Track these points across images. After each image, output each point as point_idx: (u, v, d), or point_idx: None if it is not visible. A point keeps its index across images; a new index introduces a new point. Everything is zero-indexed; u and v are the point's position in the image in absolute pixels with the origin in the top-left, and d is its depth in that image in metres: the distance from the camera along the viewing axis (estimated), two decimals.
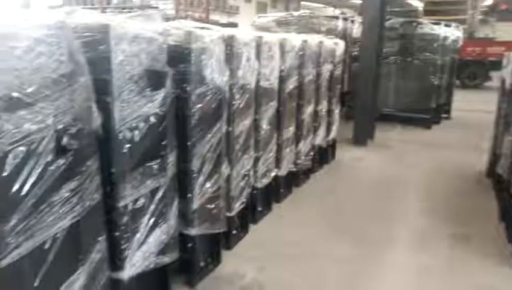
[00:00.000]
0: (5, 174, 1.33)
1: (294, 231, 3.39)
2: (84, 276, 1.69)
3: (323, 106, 4.70)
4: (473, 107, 9.31)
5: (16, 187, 1.37)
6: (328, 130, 5.01)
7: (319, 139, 4.70)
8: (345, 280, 2.74)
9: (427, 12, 13.61)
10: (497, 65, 9.63)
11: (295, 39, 3.74)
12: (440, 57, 7.30)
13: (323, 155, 5.05)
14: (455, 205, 4.02)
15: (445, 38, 7.45)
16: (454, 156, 5.74)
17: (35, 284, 1.50)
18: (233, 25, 14.57)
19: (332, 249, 3.11)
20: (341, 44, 4.95)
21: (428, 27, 7.32)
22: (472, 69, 13.39)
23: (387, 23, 6.95)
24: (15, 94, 1.33)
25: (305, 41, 3.91)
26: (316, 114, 4.49)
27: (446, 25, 7.65)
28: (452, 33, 7.75)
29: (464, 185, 4.63)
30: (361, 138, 6.08)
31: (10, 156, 1.34)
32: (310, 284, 2.67)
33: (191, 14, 13.66)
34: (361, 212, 3.84)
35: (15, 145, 1.35)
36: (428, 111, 7.54)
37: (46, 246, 1.52)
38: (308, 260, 2.95)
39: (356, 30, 7.94)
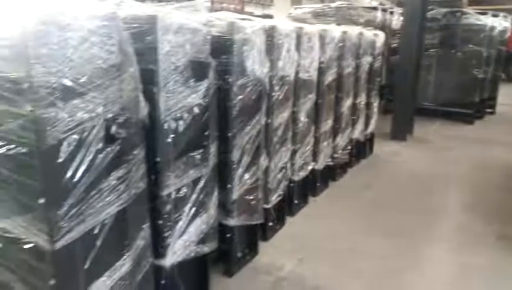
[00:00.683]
0: (59, 161, 1.38)
1: (331, 225, 3.35)
2: (130, 262, 1.74)
3: (362, 99, 4.60)
4: None
5: (69, 174, 1.42)
6: (367, 123, 4.91)
7: (357, 132, 4.61)
8: (383, 276, 2.68)
9: (472, 2, 13.00)
10: None
11: (335, 30, 3.67)
12: (485, 49, 6.98)
13: (361, 149, 4.96)
14: (499, 203, 3.85)
15: (492, 28, 7.11)
16: (499, 153, 5.50)
17: (85, 266, 1.56)
18: (268, 16, 14.49)
19: (371, 244, 3.05)
20: (381, 35, 4.82)
21: (474, 17, 7.00)
22: None
23: (428, 14, 6.69)
24: (69, 83, 1.37)
25: (344, 32, 3.83)
26: (354, 107, 4.41)
27: (494, 15, 7.29)
28: (499, 23, 7.38)
29: (509, 182, 4.42)
30: (400, 132, 5.92)
31: (64, 143, 1.39)
32: (348, 277, 2.64)
33: (225, 6, 13.69)
34: (400, 208, 3.75)
35: (69, 133, 1.39)
36: (471, 105, 7.24)
37: (95, 231, 1.57)
38: (345, 254, 2.92)
39: (395, 21, 7.71)
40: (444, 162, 5.12)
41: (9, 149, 1.41)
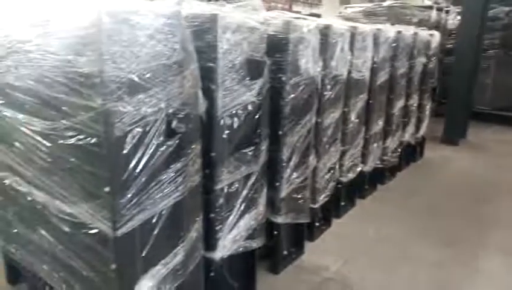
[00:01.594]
0: (124, 152, 1.46)
1: (378, 228, 3.28)
2: (183, 253, 1.80)
3: (414, 101, 4.47)
4: None
5: (132, 165, 1.49)
6: (418, 126, 4.76)
7: (408, 135, 4.48)
8: (437, 285, 2.59)
9: None
10: None
11: (389, 30, 3.59)
12: None
13: (411, 153, 4.81)
14: None
15: None
16: None
17: (143, 254, 1.63)
18: (316, 16, 14.35)
19: (421, 250, 2.96)
20: (436, 36, 4.65)
21: None
22: None
23: (489, 13, 6.36)
24: (136, 79, 1.44)
25: (399, 32, 3.73)
26: (406, 109, 4.29)
27: None
28: None
29: None
30: (453, 136, 5.68)
31: (129, 135, 1.46)
32: (394, 283, 2.58)
33: (273, 5, 13.70)
34: (451, 214, 3.61)
35: (133, 126, 1.47)
36: None
37: (154, 221, 1.64)
38: (392, 259, 2.85)
39: (451, 21, 7.39)
40: (498, 169, 4.86)
41: (80, 139, 1.51)
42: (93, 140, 1.45)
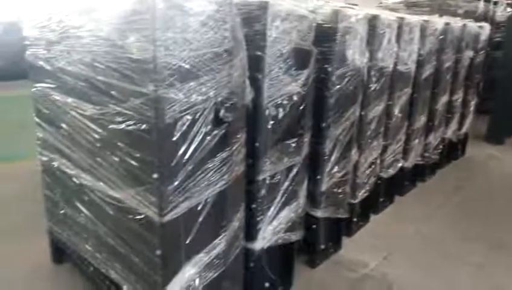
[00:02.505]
0: (173, 139, 1.46)
1: (418, 226, 3.18)
2: (225, 242, 1.80)
3: (459, 96, 4.28)
4: None
5: (180, 152, 1.49)
6: (461, 123, 4.57)
7: (450, 132, 4.32)
8: (474, 286, 2.49)
9: None
10: None
11: (437, 22, 3.44)
12: None
13: (453, 150, 4.64)
14: None
15: None
16: None
17: (187, 241, 1.63)
18: (353, 5, 14.00)
19: (460, 252, 2.85)
20: (486, 28, 4.43)
21: None
22: None
23: None
24: (187, 66, 1.43)
25: (447, 24, 3.57)
26: (450, 104, 4.12)
27: None
28: None
29: None
30: (498, 134, 5.43)
31: (179, 123, 1.46)
32: (435, 283, 2.50)
33: None
34: (493, 215, 3.45)
35: (183, 113, 1.46)
36: None
37: (198, 209, 1.64)
38: (433, 259, 2.76)
39: (500, 13, 7.03)
40: None
41: (129, 125, 1.52)
42: (143, 126, 1.46)
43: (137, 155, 1.53)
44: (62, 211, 2.22)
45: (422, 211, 3.46)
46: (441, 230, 3.15)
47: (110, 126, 1.62)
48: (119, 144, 1.60)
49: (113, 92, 1.56)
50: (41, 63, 1.99)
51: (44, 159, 2.23)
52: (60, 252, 2.46)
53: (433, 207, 3.55)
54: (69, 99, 1.86)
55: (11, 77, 6.07)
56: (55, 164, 2.12)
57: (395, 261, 2.69)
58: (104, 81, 1.60)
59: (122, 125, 1.55)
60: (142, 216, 1.59)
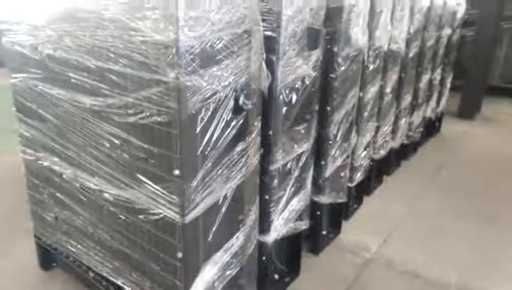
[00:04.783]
0: (196, 131, 1.32)
1: (409, 205, 3.21)
2: (243, 237, 1.69)
3: (438, 74, 4.33)
4: None
5: (202, 145, 1.36)
6: (439, 101, 4.65)
7: (430, 110, 4.38)
8: (474, 259, 2.54)
9: None
10: None
11: None
12: None
13: (430, 127, 4.72)
14: None
15: None
16: None
17: (208, 239, 1.52)
18: None
19: (455, 227, 2.90)
20: (463, 5, 4.47)
21: None
22: None
23: None
24: (209, 49, 1.29)
25: (431, 1, 3.55)
26: (430, 83, 4.16)
27: None
28: None
29: None
30: (469, 110, 5.59)
31: (201, 113, 1.32)
32: (437, 260, 2.52)
33: None
34: (478, 190, 3.54)
35: (206, 102, 1.32)
36: None
37: (218, 205, 1.52)
38: (430, 236, 2.79)
39: None
40: None
41: (144, 118, 1.37)
42: (162, 118, 1.31)
43: (154, 150, 1.38)
44: (52, 214, 2.02)
45: (411, 190, 3.49)
46: (433, 207, 3.20)
47: (119, 119, 1.45)
48: (130, 138, 1.44)
49: (122, 81, 1.39)
50: (22, 50, 1.76)
51: (29, 157, 2.01)
52: (48, 258, 2.26)
53: (420, 185, 3.60)
54: (61, 91, 1.65)
55: None
56: (44, 162, 1.91)
57: (395, 242, 2.69)
58: (110, 69, 1.41)
59: (134, 118, 1.39)
60: (159, 217, 1.45)
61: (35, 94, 1.79)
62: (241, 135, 1.53)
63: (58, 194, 1.92)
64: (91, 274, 1.94)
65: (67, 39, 1.54)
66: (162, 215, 1.44)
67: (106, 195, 1.64)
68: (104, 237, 1.73)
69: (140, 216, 1.52)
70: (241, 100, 1.47)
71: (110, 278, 1.79)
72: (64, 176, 1.83)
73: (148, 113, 1.34)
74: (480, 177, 3.81)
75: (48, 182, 1.96)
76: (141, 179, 1.46)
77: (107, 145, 1.54)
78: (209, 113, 1.35)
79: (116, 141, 1.50)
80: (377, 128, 3.13)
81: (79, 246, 1.91)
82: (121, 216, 1.61)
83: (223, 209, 1.55)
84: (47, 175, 1.94)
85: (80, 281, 2.14)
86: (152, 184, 1.42)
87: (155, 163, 1.39)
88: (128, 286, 1.70)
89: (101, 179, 1.63)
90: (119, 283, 1.75)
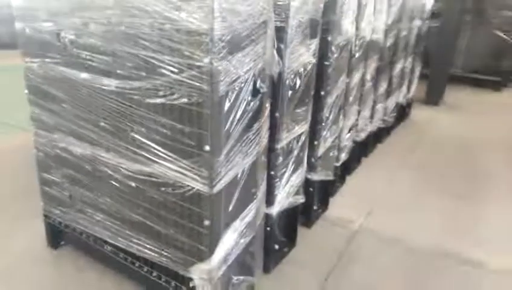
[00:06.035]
0: (224, 111, 1.48)
1: (387, 184, 3.51)
2: (255, 208, 1.88)
3: (409, 63, 4.65)
4: None
5: (228, 123, 1.52)
6: (409, 87, 4.98)
7: (402, 96, 4.69)
8: (453, 229, 2.86)
9: None
10: None
11: None
12: None
13: (401, 113, 5.05)
14: None
15: None
16: None
17: (229, 209, 1.69)
18: None
19: (431, 201, 3.22)
20: None
21: None
22: None
23: None
24: (236, 38, 1.44)
25: None
26: (402, 71, 4.46)
27: None
28: None
29: None
30: (434, 97, 6.01)
31: (229, 94, 1.48)
32: (415, 230, 2.81)
33: None
34: (446, 168, 3.91)
35: (232, 85, 1.48)
36: (499, 73, 7.28)
37: (237, 178, 1.69)
38: (407, 210, 3.08)
39: None
40: (480, 127, 5.24)
41: (174, 99, 1.50)
42: (194, 99, 1.45)
43: (184, 128, 1.53)
44: (66, 193, 2.12)
45: (388, 170, 3.79)
46: (408, 185, 3.51)
47: (147, 101, 1.58)
48: (158, 118, 1.58)
49: (152, 66, 1.51)
50: (40, 35, 1.83)
51: (42, 140, 2.10)
52: (58, 236, 2.36)
53: (396, 165, 3.91)
54: (83, 75, 1.76)
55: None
56: (60, 143, 2.01)
57: (377, 216, 2.97)
58: (137, 54, 1.54)
59: (163, 100, 1.53)
60: (187, 189, 1.60)
61: (53, 78, 1.87)
62: (257, 115, 1.70)
63: (74, 174, 2.02)
64: (108, 248, 2.06)
65: (92, 26, 1.64)
66: (189, 187, 1.59)
67: (129, 172, 1.76)
68: (125, 212, 1.86)
69: (166, 189, 1.67)
70: (258, 84, 1.64)
71: (129, 249, 1.92)
72: (82, 156, 1.93)
73: (178, 95, 1.49)
74: (448, 158, 4.18)
75: (62, 162, 2.05)
76: (169, 155, 1.60)
77: (133, 126, 1.67)
78: (234, 95, 1.51)
79: (143, 122, 1.63)
80: (359, 113, 3.37)
81: (95, 221, 2.03)
82: (144, 191, 1.75)
83: (241, 182, 1.72)
84: (62, 156, 2.03)
85: (90, 256, 2.26)
86: (183, 159, 1.56)
87: (185, 140, 1.54)
88: (149, 256, 1.85)
89: (124, 157, 1.76)
90: (139, 253, 1.89)
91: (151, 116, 1.60)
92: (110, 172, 1.85)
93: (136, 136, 1.68)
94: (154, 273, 1.91)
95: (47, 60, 1.87)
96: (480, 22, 7.24)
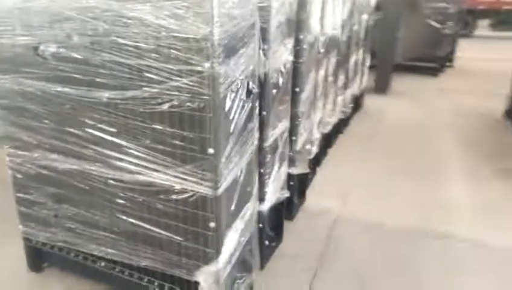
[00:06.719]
0: (225, 113, 1.51)
1: (354, 170, 3.69)
2: (252, 206, 1.92)
3: (360, 56, 4.88)
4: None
5: (228, 125, 1.55)
6: (361, 79, 5.22)
7: (356, 87, 4.92)
8: (418, 202, 3.09)
9: None
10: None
11: None
12: (451, 5, 7.51)
13: (356, 103, 5.29)
14: (490, 142, 4.42)
15: None
16: (468, 101, 6.11)
17: (231, 209, 1.72)
18: None
19: (397, 183, 3.44)
20: None
21: None
22: None
23: None
24: (232, 41, 1.48)
25: None
26: (356, 63, 4.68)
27: None
28: None
29: (488, 124, 5.03)
30: (382, 86, 6.35)
31: (228, 97, 1.51)
32: (390, 209, 3.00)
33: None
34: (406, 151, 4.19)
35: (230, 88, 1.51)
36: (435, 60, 7.84)
37: (238, 177, 1.72)
38: (378, 194, 3.27)
39: None
40: (427, 112, 5.63)
41: (174, 106, 1.51)
42: (195, 104, 1.47)
43: (184, 133, 1.53)
44: (51, 213, 2.03)
45: (353, 158, 3.98)
46: (374, 170, 3.71)
47: (142, 110, 1.57)
48: (156, 126, 1.57)
49: (148, 74, 1.51)
50: (13, 50, 1.75)
51: (18, 160, 1.99)
52: (40, 259, 2.25)
53: (359, 153, 4.11)
54: (67, 89, 1.70)
55: None
56: (42, 162, 1.92)
57: (352, 202, 3.12)
58: (130, 64, 1.52)
59: (162, 107, 1.53)
60: (190, 194, 1.61)
61: (31, 94, 1.79)
62: (250, 115, 1.74)
63: (59, 191, 1.94)
64: (102, 263, 2.01)
65: (76, 37, 1.60)
66: (193, 192, 1.60)
67: (125, 183, 1.74)
68: (123, 224, 1.83)
69: (168, 196, 1.66)
70: (250, 85, 1.68)
71: (129, 262, 1.89)
72: (68, 172, 1.86)
73: (177, 102, 1.49)
74: (406, 141, 4.47)
75: (44, 181, 1.97)
76: (169, 162, 1.60)
77: (128, 136, 1.65)
78: (232, 97, 1.54)
79: (139, 131, 1.61)
80: (324, 106, 3.51)
81: (88, 238, 1.97)
82: (143, 200, 1.73)
83: (240, 182, 1.75)
84: (44, 174, 1.95)
85: (79, 275, 2.18)
86: (184, 165, 1.57)
87: (186, 145, 1.55)
88: (151, 265, 1.83)
89: (117, 169, 1.73)
90: (140, 265, 1.86)
91: (147, 124, 1.59)
92: (102, 186, 1.81)
93: (132, 145, 1.66)
94: (156, 283, 1.89)
95: (23, 75, 1.79)
96: (415, 13, 7.74)
